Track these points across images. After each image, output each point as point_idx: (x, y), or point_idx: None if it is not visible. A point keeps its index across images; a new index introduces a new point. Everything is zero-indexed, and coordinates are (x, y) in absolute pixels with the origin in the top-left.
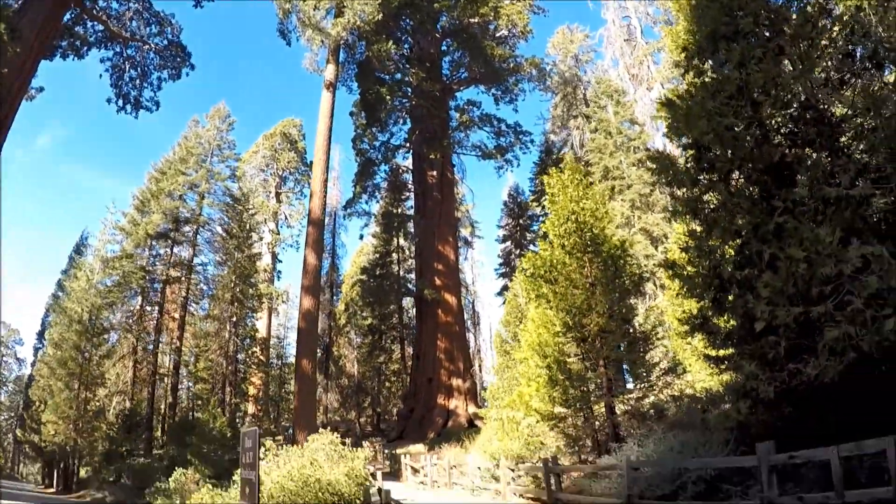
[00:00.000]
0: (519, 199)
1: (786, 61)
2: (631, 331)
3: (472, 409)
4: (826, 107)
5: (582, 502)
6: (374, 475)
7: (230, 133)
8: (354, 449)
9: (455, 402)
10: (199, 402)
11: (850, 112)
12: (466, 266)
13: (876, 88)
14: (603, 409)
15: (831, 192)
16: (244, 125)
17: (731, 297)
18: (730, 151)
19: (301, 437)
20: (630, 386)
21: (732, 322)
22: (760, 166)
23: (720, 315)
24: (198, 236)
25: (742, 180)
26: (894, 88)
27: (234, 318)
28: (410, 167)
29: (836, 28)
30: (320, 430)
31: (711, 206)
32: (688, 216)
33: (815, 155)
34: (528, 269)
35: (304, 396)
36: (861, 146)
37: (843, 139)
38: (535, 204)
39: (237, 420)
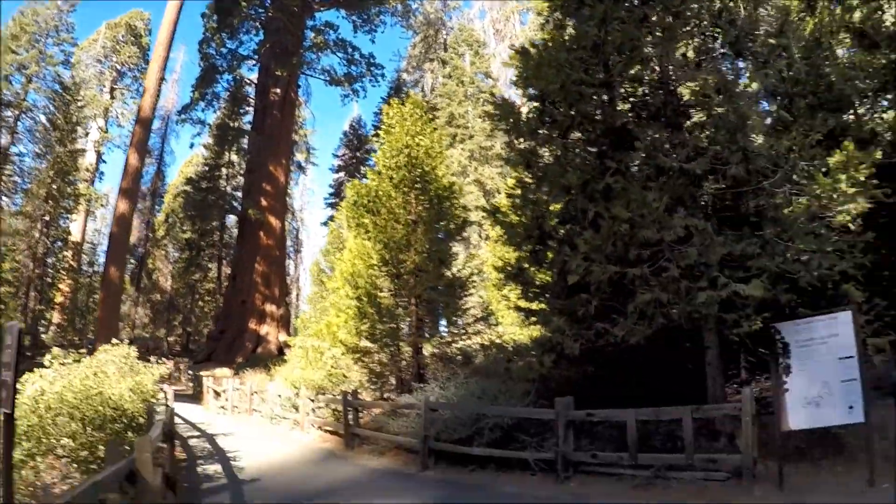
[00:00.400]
0: (360, 132)
1: (648, 33)
2: (448, 274)
3: (283, 336)
4: (678, 85)
5: (378, 439)
6: (166, 394)
7: (71, 14)
8: (149, 364)
9: (267, 329)
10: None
11: (701, 95)
12: (296, 192)
13: (731, 77)
14: (410, 349)
15: (667, 161)
16: (88, 7)
17: (549, 253)
18: (574, 108)
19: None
20: (444, 331)
21: (548, 276)
22: (601, 128)
23: (537, 267)
24: (19, 123)
25: (581, 138)
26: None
27: (48, 218)
28: (255, 82)
29: (703, 8)
30: (113, 340)
31: (546, 160)
32: (521, 166)
33: (657, 129)
34: (353, 196)
35: (108, 306)
36: (705, 130)
37: (687, 122)
38: (375, 139)
39: (39, 329)
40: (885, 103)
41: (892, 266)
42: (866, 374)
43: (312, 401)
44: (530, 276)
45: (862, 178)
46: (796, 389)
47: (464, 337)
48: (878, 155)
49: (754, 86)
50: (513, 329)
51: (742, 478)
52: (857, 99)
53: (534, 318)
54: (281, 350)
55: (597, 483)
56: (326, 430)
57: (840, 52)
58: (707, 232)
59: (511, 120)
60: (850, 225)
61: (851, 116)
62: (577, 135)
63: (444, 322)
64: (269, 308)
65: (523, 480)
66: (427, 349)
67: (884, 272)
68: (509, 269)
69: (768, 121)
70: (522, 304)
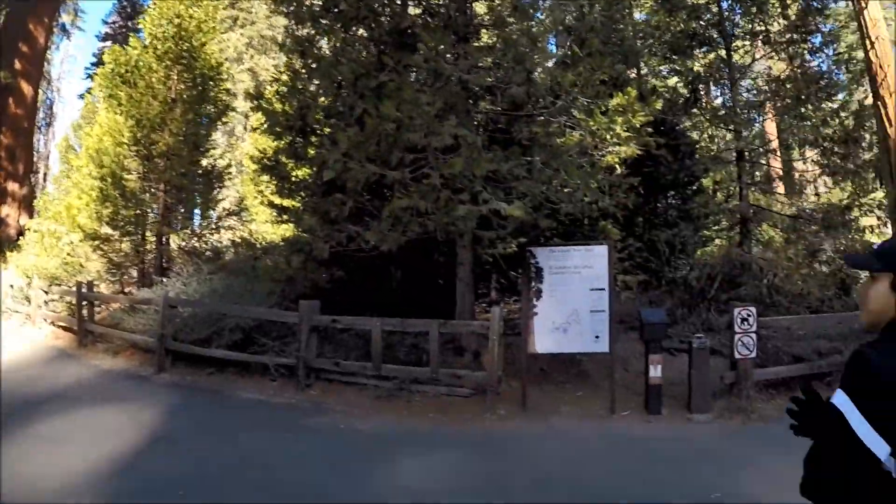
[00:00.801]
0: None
1: None
2: (204, 163)
3: (24, 219)
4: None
5: (114, 336)
6: None
7: None
8: None
9: (7, 210)
10: None
11: (496, 14)
12: (57, 58)
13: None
14: (156, 239)
15: (447, 69)
16: None
17: (311, 150)
18: (362, 1)
19: None
20: (198, 224)
21: (306, 173)
22: (387, 27)
23: (295, 161)
24: None
25: (363, 35)
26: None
27: None
28: None
29: None
30: None
31: (323, 52)
32: (296, 54)
33: (444, 38)
34: (111, 64)
35: None
36: (494, 52)
37: (478, 43)
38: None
39: None
40: (667, 70)
41: (650, 213)
42: (614, 308)
43: (46, 292)
44: (287, 171)
45: (637, 125)
46: (546, 314)
47: (216, 231)
48: (658, 106)
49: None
50: (267, 228)
51: (486, 395)
52: (645, 58)
53: (286, 217)
54: (22, 234)
55: (339, 392)
56: (60, 326)
57: (639, 15)
58: (476, 146)
59: (294, 4)
60: (617, 166)
61: (634, 74)
62: (362, 31)
63: (198, 213)
64: (12, 187)
65: (263, 386)
66: (175, 241)
67: (639, 217)
68: (266, 160)
69: (559, 53)
70: (277, 200)
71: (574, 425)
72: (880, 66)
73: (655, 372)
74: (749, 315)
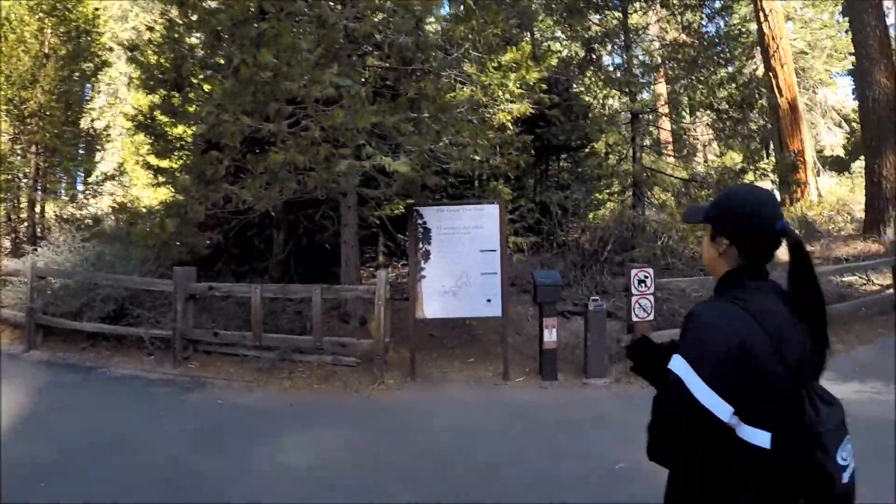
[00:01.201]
0: None
1: None
2: (81, 123)
3: None
4: None
5: None
6: None
7: None
8: None
9: None
10: None
11: None
12: None
13: None
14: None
15: (332, 15)
16: None
17: (189, 108)
18: None
19: None
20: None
21: (183, 129)
22: None
23: (171, 117)
24: None
25: None
26: None
27: None
28: None
29: None
30: None
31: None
32: (175, 4)
33: None
34: None
35: None
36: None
37: None
38: None
39: None
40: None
41: (542, 174)
42: (507, 270)
43: None
44: (162, 129)
45: (531, 82)
46: (434, 277)
47: (96, 197)
48: (553, 62)
49: None
50: (149, 192)
51: (373, 364)
52: (540, 19)
53: (163, 178)
54: None
55: (219, 364)
56: None
57: None
58: (360, 96)
59: None
60: (508, 125)
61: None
62: None
63: (80, 179)
64: None
65: (139, 360)
66: (50, 209)
67: (531, 178)
68: (141, 118)
69: (451, 10)
70: (153, 161)
71: (466, 393)
72: (773, 38)
73: (550, 336)
74: (646, 277)
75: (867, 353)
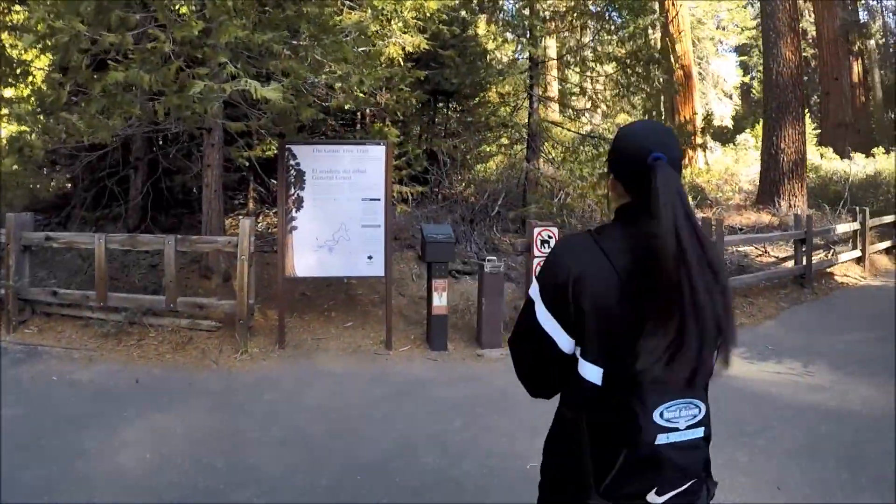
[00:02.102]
0: None
1: None
2: None
3: None
4: None
5: None
6: None
7: None
8: None
9: None
10: None
11: None
12: None
13: None
14: None
15: None
16: None
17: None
18: None
19: None
20: None
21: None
22: None
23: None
24: None
25: None
26: None
27: None
28: None
29: None
30: None
31: None
32: None
33: None
34: None
35: None
36: None
37: None
38: None
39: None
40: None
41: (430, 119)
42: (390, 223)
43: None
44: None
45: (428, 13)
46: (307, 229)
47: None
48: None
49: None
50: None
51: (235, 328)
52: None
53: (6, 109)
54: None
55: (59, 329)
56: None
57: None
58: (225, 5)
59: None
60: (399, 60)
61: None
62: None
63: None
64: None
65: None
66: None
67: (418, 123)
68: None
69: None
70: None
71: (342, 365)
72: (672, 3)
73: (440, 300)
74: (550, 237)
75: (775, 328)
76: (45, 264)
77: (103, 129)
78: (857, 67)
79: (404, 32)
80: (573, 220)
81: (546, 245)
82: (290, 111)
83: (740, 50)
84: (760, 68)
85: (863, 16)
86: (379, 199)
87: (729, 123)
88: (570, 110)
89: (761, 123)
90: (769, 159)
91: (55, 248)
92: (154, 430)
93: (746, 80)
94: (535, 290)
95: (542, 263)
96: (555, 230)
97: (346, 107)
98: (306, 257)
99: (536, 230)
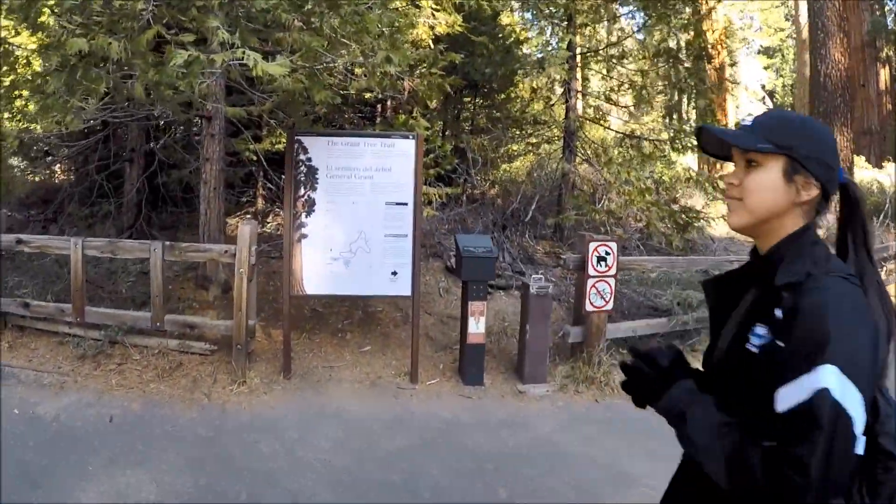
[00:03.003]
0: None
1: None
2: None
3: None
4: None
5: None
6: None
7: None
8: None
9: None
10: None
11: None
12: None
13: None
14: None
15: None
16: None
17: None
18: None
19: None
20: None
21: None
22: None
23: None
24: None
25: None
26: None
27: None
28: None
29: None
30: None
31: None
32: None
33: None
34: None
35: None
36: None
37: None
38: None
39: None
40: None
41: (458, 113)
42: (419, 233)
43: None
44: None
45: None
46: (320, 237)
47: None
48: None
49: None
50: None
51: (233, 353)
52: None
53: None
54: None
55: (34, 346)
56: None
57: None
58: None
59: None
60: (428, 40)
61: None
62: None
63: None
64: None
65: None
66: None
67: (447, 115)
68: None
69: None
70: None
71: (358, 402)
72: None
73: (477, 327)
74: (608, 253)
75: None
76: (20, 269)
77: (62, 112)
78: (884, 74)
79: (437, 9)
80: (619, 231)
81: (603, 262)
82: (299, 94)
83: (767, 52)
84: (785, 72)
85: (891, 21)
86: (406, 204)
87: None
88: (614, 106)
89: None
90: None
91: (26, 252)
92: (119, 493)
93: (778, 83)
94: (837, 383)
95: (834, 335)
96: (613, 246)
97: (368, 96)
98: (317, 271)
99: (593, 245)
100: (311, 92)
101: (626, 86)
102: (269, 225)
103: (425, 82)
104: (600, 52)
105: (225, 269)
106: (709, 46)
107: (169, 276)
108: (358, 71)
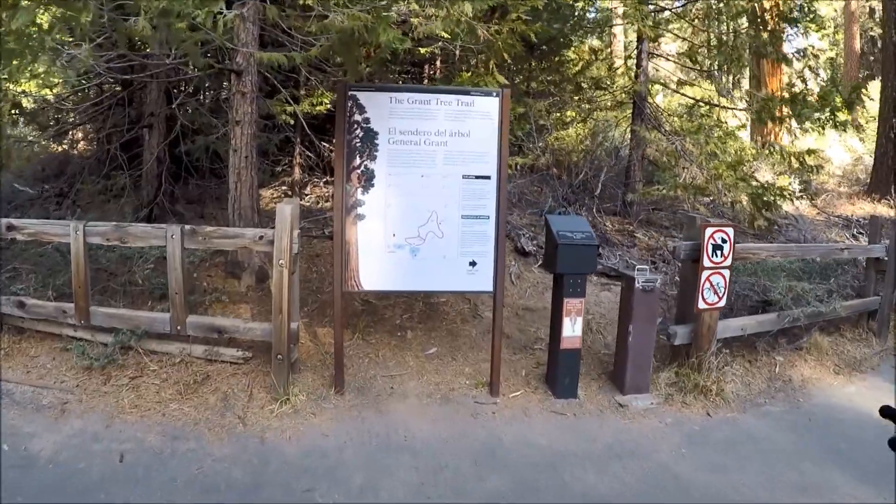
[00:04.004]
0: None
1: None
2: None
3: None
4: None
5: None
6: None
7: None
8: None
9: None
10: None
11: None
12: None
13: None
14: None
15: None
16: None
17: None
18: None
19: None
20: None
21: None
22: None
23: None
24: None
25: None
26: None
27: None
28: None
29: None
30: None
31: None
32: None
33: None
34: None
35: None
36: None
37: None
38: None
39: None
40: None
41: (526, 76)
42: (504, 215)
43: None
44: None
45: None
46: (380, 219)
47: None
48: None
49: None
50: None
51: (272, 363)
52: None
53: None
54: None
55: (33, 353)
56: None
57: None
58: None
59: None
60: None
61: None
62: None
63: None
64: None
65: None
66: None
67: (519, 74)
68: None
69: None
70: None
71: (430, 425)
72: None
73: (573, 329)
74: (725, 241)
75: None
76: (19, 257)
77: (45, 57)
78: None
79: None
80: (701, 208)
81: (719, 251)
82: (359, 33)
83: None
84: (829, 45)
85: None
86: (489, 178)
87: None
88: (682, 70)
89: (879, 102)
90: (887, 143)
91: (22, 240)
92: None
93: (832, 53)
94: None
95: None
96: (730, 232)
97: (423, 51)
98: (377, 262)
99: (709, 231)
100: (373, 34)
101: (711, 46)
102: (307, 197)
103: (506, 28)
104: (678, 9)
105: (259, 253)
106: (762, 8)
107: (193, 263)
108: (414, 21)
